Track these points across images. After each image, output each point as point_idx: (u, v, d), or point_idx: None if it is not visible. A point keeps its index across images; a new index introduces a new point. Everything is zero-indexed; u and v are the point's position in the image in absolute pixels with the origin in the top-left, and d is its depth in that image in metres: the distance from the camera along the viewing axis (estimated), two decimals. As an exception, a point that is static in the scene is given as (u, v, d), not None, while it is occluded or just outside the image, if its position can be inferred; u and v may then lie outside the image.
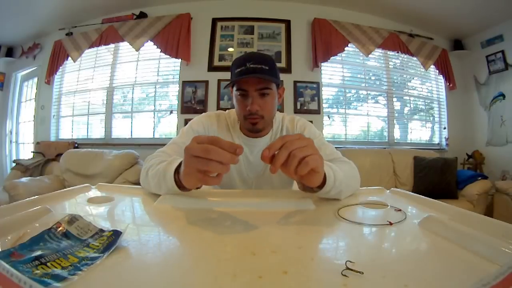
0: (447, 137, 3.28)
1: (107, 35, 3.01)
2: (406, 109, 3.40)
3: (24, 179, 2.41)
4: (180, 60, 2.94)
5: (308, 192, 0.61)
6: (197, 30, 2.97)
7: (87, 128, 3.25)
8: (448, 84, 3.28)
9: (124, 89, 3.24)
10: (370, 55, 3.04)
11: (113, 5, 2.98)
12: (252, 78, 0.74)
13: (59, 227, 0.33)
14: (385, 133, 3.27)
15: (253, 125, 0.79)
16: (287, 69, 2.94)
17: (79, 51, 3.07)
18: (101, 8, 3.00)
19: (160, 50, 2.94)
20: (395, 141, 3.23)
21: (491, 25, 2.98)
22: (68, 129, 3.28)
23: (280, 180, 0.88)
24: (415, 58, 3.18)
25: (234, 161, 0.42)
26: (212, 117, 0.89)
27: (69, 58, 3.11)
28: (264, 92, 0.77)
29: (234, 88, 0.79)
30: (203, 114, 0.91)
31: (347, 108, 3.23)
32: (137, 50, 2.96)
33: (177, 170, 0.55)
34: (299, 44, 3.00)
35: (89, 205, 0.54)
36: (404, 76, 3.42)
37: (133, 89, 3.19)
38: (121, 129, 3.17)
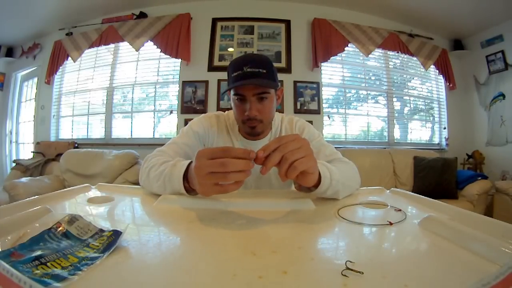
0: (447, 137, 3.28)
1: (107, 35, 3.01)
2: (406, 109, 3.40)
3: (24, 179, 2.41)
4: (180, 60, 2.94)
5: (304, 192, 0.61)
6: (197, 30, 2.97)
7: (87, 128, 3.25)
8: (448, 84, 3.28)
9: (124, 89, 3.24)
10: (370, 55, 3.04)
11: (113, 5, 2.98)
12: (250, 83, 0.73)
13: (59, 227, 0.33)
14: (385, 133, 3.27)
15: (252, 129, 0.79)
16: (287, 69, 2.94)
17: (79, 51, 3.07)
18: (101, 8, 3.00)
19: (160, 50, 2.94)
20: (395, 141, 3.22)
21: (491, 25, 2.98)
22: (68, 129, 3.28)
23: (279, 182, 0.88)
24: (415, 58, 3.18)
25: (250, 166, 0.42)
26: (212, 118, 0.89)
27: (69, 58, 3.11)
28: (262, 96, 0.75)
29: (232, 92, 0.78)
30: (203, 115, 0.91)
31: (347, 108, 3.22)
32: (137, 50, 2.96)
33: (184, 176, 0.56)
34: (299, 44, 3.00)
35: (89, 205, 0.54)
36: (404, 76, 3.42)
37: (133, 89, 3.19)
38: (121, 129, 3.16)
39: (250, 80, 0.72)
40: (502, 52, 2.93)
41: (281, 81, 2.87)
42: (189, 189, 0.56)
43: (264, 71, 0.73)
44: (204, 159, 0.44)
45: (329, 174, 0.56)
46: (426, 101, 3.42)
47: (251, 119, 0.76)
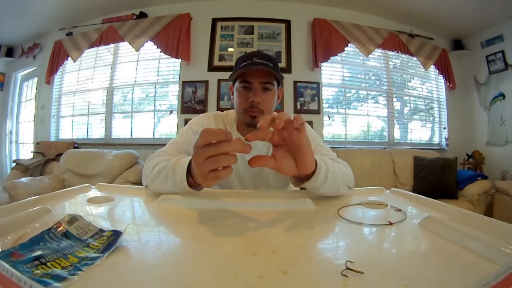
0: (447, 137, 3.28)
1: (107, 35, 3.01)
2: (406, 109, 3.40)
3: (24, 179, 2.41)
4: (180, 60, 2.94)
5: (299, 186, 0.59)
6: (197, 30, 2.97)
7: (87, 128, 3.25)
8: (448, 84, 3.28)
9: (124, 89, 3.24)
10: (370, 55, 3.04)
11: (113, 5, 2.98)
12: (257, 71, 0.77)
13: (59, 227, 0.33)
14: (385, 133, 3.27)
15: (252, 119, 0.80)
16: (287, 69, 2.94)
17: (79, 51, 3.07)
18: (101, 8, 3.00)
19: (160, 50, 2.94)
20: (395, 141, 3.22)
21: (491, 25, 2.98)
22: (68, 129, 3.28)
23: (276, 180, 0.89)
24: (415, 58, 3.18)
25: (244, 148, 0.39)
26: (211, 117, 0.91)
27: (69, 58, 3.11)
28: (267, 87, 0.79)
29: (237, 82, 0.81)
30: (202, 114, 0.93)
31: (347, 108, 3.22)
32: (137, 50, 2.96)
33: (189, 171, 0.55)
34: (299, 44, 3.00)
35: (89, 205, 0.53)
36: (404, 76, 3.42)
37: (133, 89, 3.19)
38: (121, 129, 3.16)
39: (259, 66, 0.76)
40: (502, 52, 2.93)
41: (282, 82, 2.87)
42: (193, 184, 0.55)
43: (271, 65, 0.78)
44: (197, 147, 0.42)
45: (324, 165, 0.55)
46: (426, 101, 3.42)
47: (253, 106, 0.78)
